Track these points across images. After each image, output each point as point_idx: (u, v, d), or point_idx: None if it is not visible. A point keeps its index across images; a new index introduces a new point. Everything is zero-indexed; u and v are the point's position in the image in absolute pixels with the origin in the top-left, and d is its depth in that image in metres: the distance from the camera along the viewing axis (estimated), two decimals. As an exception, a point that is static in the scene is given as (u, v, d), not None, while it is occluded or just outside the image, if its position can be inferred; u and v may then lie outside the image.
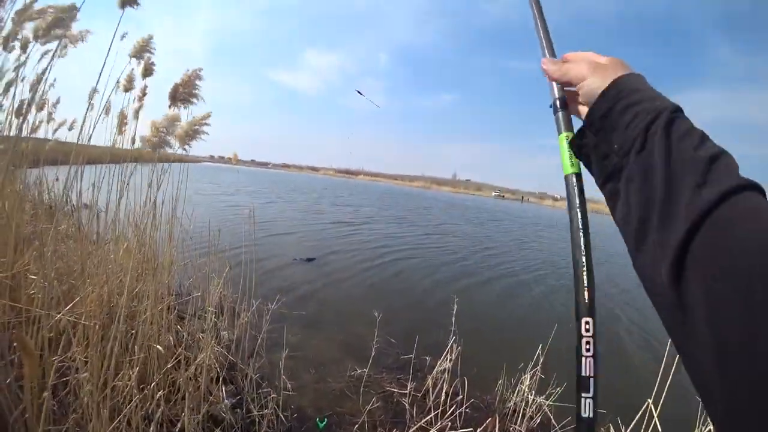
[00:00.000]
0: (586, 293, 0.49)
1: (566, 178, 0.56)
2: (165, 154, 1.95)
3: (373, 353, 2.61)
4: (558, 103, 0.58)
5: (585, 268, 0.50)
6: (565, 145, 0.56)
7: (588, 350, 0.46)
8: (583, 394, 0.45)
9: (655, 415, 1.58)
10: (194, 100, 2.22)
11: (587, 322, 0.47)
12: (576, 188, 0.55)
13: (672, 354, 1.46)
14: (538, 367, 2.50)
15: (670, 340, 0.35)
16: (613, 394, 2.28)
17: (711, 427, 1.22)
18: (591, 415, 0.44)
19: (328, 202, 18.56)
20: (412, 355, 2.72)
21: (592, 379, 0.45)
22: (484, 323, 4.17)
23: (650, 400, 1.62)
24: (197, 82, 2.22)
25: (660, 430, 1.57)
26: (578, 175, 0.57)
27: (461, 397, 2.40)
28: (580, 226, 0.53)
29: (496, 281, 6.22)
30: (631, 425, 1.72)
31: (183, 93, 2.23)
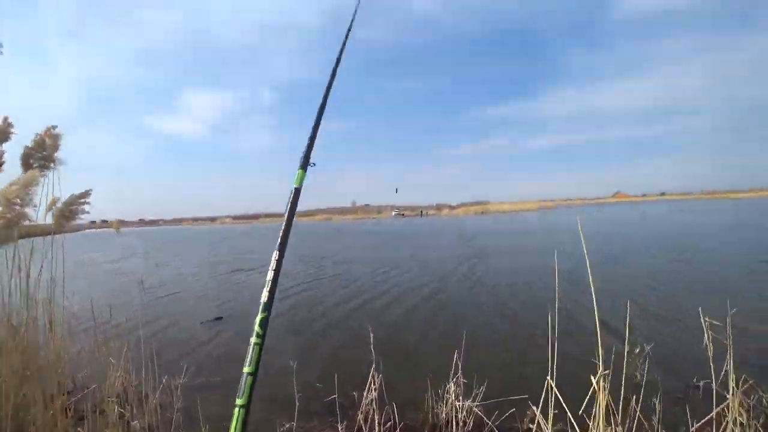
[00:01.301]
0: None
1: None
2: (31, 227, 1.79)
3: (298, 404, 2.59)
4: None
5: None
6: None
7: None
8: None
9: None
10: (52, 165, 2.03)
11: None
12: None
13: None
14: (459, 373, 2.60)
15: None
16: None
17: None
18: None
19: (226, 252, 17.60)
20: (336, 395, 2.74)
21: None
22: (398, 343, 4.32)
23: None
24: (58, 142, 2.03)
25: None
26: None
27: (392, 422, 2.48)
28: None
29: (398, 301, 6.41)
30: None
31: (38, 157, 2.02)
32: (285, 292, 7.26)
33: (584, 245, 1.46)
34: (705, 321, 2.18)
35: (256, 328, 0.93)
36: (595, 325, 1.43)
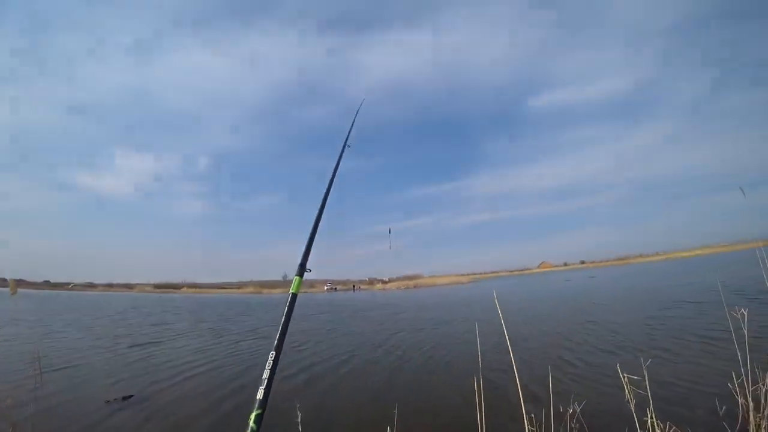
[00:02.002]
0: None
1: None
2: None
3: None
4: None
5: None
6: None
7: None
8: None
9: None
10: None
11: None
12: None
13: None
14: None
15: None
16: None
17: None
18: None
19: (140, 322, 16.16)
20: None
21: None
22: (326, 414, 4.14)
23: None
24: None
25: None
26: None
27: None
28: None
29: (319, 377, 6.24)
30: None
31: None
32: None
33: (501, 317, 1.63)
34: (624, 377, 2.26)
35: (251, 424, 0.94)
36: (518, 393, 1.51)
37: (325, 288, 72.19)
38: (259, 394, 0.99)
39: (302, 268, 1.32)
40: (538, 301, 17.18)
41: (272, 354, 1.07)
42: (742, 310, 2.77)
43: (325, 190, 1.69)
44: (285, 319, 1.15)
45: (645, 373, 2.37)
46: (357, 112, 2.48)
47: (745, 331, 2.72)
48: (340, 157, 1.86)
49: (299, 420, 2.57)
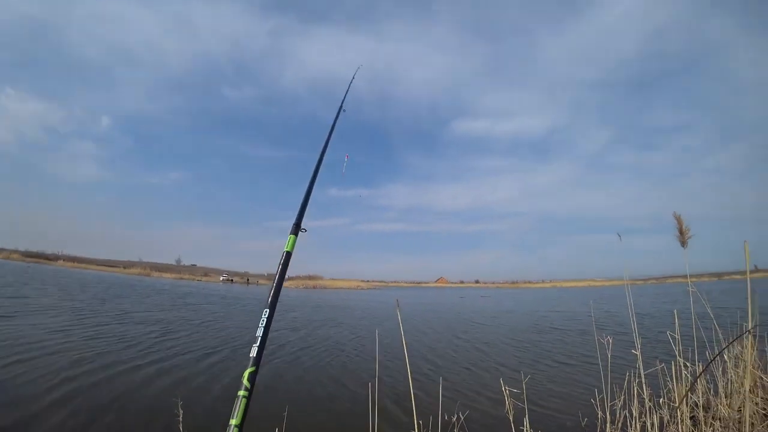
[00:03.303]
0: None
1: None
2: None
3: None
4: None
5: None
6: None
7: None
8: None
9: None
10: None
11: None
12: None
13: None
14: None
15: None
16: None
17: None
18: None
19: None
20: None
21: None
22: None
23: None
24: None
25: None
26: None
27: None
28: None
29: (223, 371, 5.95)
30: None
31: None
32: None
33: (402, 330, 1.62)
34: (506, 390, 2.42)
35: (245, 381, 0.93)
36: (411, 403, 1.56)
37: (221, 279, 68.26)
38: (253, 352, 0.99)
39: (297, 227, 1.29)
40: (434, 314, 17.93)
41: (266, 311, 1.07)
42: (608, 337, 3.11)
43: (320, 150, 1.72)
44: (279, 277, 1.17)
45: (524, 387, 2.55)
46: (353, 78, 2.50)
47: (609, 354, 3.02)
48: (336, 120, 1.91)
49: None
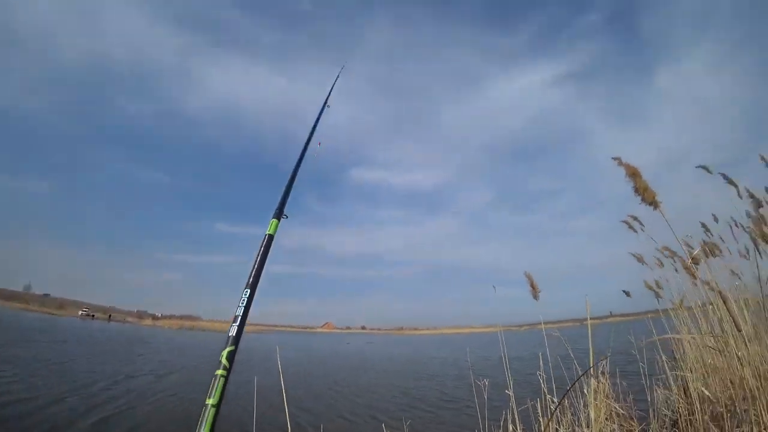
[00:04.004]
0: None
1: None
2: None
3: None
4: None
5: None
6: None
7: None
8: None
9: None
10: None
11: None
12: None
13: None
14: None
15: None
16: None
17: None
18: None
19: None
20: None
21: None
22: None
23: None
24: None
25: None
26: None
27: None
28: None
29: None
30: None
31: None
32: None
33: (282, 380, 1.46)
34: None
35: (223, 360, 0.91)
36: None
37: (80, 313, 57.70)
38: (232, 331, 0.99)
39: (279, 213, 1.30)
40: (317, 361, 17.37)
41: (246, 291, 1.06)
42: (484, 380, 3.26)
43: (305, 140, 1.77)
44: (261, 258, 1.15)
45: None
46: (337, 76, 2.52)
47: (485, 396, 3.15)
48: (320, 115, 1.96)
49: None
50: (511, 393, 2.81)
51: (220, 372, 0.90)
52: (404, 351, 26.42)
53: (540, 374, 2.99)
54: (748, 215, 3.41)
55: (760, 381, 1.90)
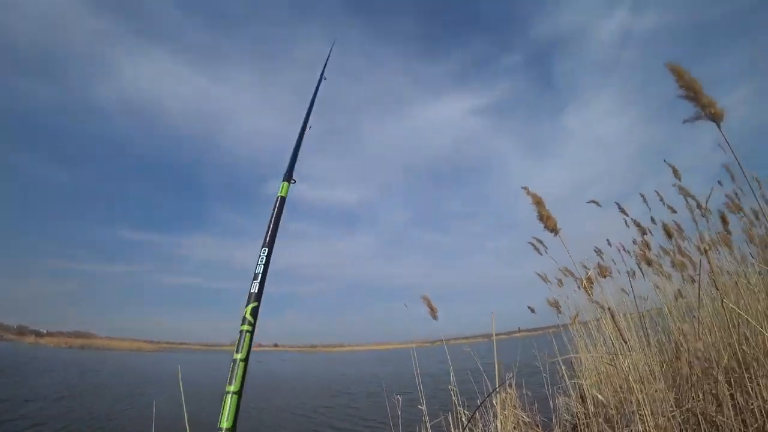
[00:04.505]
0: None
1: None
2: None
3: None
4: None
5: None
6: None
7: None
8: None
9: None
10: None
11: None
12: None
13: None
14: None
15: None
16: None
17: None
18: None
19: None
20: None
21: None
22: None
23: None
24: None
25: None
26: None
27: None
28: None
29: None
30: None
31: None
32: None
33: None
34: None
35: (248, 316, 0.95)
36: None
37: None
38: (254, 288, 1.02)
39: (289, 175, 1.35)
40: (222, 382, 16.24)
41: (265, 250, 1.10)
42: (398, 396, 3.31)
43: (307, 107, 1.80)
44: (275, 219, 1.20)
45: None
46: (331, 49, 2.54)
47: (399, 411, 3.19)
48: (317, 88, 1.97)
49: None
50: (423, 408, 2.85)
51: (245, 328, 0.95)
52: (318, 369, 25.84)
53: (451, 388, 3.07)
54: (634, 242, 3.90)
55: (643, 385, 2.11)
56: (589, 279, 3.18)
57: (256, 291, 1.04)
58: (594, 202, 3.94)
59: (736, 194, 3.08)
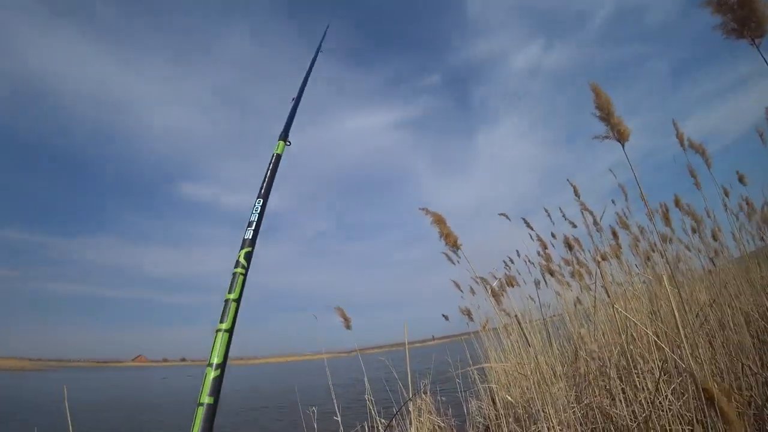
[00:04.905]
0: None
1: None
2: None
3: None
4: None
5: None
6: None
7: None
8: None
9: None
10: None
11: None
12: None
13: None
14: None
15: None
16: None
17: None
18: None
19: None
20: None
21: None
22: None
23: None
24: None
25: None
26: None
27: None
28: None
29: None
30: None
31: None
32: None
33: None
34: None
35: (241, 260, 1.00)
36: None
37: None
38: (248, 234, 1.08)
39: (285, 135, 1.42)
40: (117, 403, 14.58)
41: (259, 201, 1.17)
42: (313, 408, 3.28)
43: (306, 70, 1.87)
44: (270, 174, 1.28)
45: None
46: (327, 26, 2.56)
47: (315, 424, 3.13)
48: (314, 59, 2.04)
49: None
50: (339, 419, 2.86)
51: (238, 270, 0.99)
52: (228, 383, 24.18)
53: (367, 398, 3.08)
54: (539, 253, 4.25)
55: (547, 385, 2.27)
56: (496, 288, 3.38)
57: (249, 237, 1.11)
58: (503, 215, 4.22)
59: (624, 213, 3.51)
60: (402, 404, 2.77)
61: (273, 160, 1.39)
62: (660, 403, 1.72)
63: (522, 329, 2.70)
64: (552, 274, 3.74)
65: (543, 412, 2.14)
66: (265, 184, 1.28)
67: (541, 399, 2.18)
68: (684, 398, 1.70)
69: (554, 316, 3.63)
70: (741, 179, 3.20)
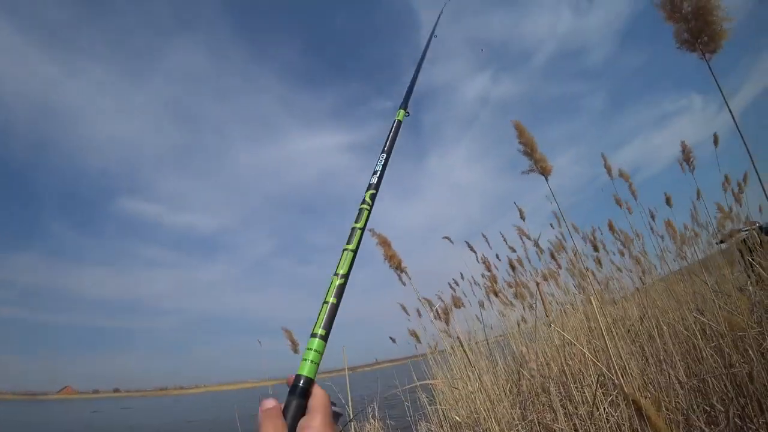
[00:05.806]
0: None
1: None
2: None
3: None
4: None
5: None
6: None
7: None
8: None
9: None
10: None
11: None
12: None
13: None
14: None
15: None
16: None
17: None
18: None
19: None
20: None
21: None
22: None
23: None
24: None
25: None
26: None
27: None
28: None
29: None
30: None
31: None
32: None
33: None
34: None
35: (367, 199, 1.01)
36: None
37: None
38: (373, 180, 1.11)
39: (405, 103, 1.35)
40: None
41: (383, 155, 1.19)
42: None
43: (420, 56, 1.62)
44: (393, 134, 1.28)
45: None
46: (442, 9, 2.18)
47: None
48: (428, 44, 1.78)
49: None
50: None
51: (364, 206, 0.99)
52: (160, 416, 22.26)
53: None
54: (483, 275, 4.39)
55: (492, 404, 2.32)
56: (442, 310, 3.44)
57: (375, 182, 1.13)
58: (447, 238, 4.34)
59: (562, 236, 3.75)
60: (340, 428, 2.69)
61: (394, 125, 1.41)
62: (599, 415, 1.82)
63: (464, 350, 2.76)
64: (496, 294, 3.88)
65: (490, 430, 2.18)
66: (387, 143, 1.32)
67: (487, 417, 2.22)
68: (620, 410, 1.81)
69: (500, 336, 3.73)
70: (668, 201, 3.56)
